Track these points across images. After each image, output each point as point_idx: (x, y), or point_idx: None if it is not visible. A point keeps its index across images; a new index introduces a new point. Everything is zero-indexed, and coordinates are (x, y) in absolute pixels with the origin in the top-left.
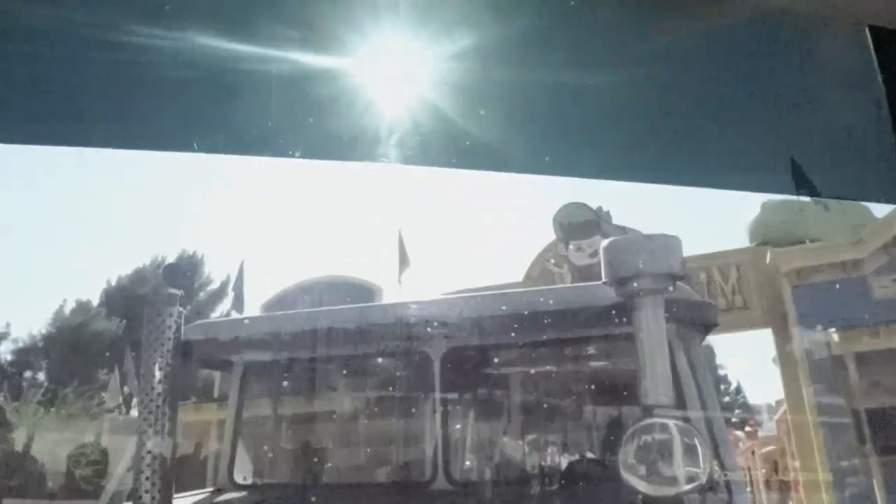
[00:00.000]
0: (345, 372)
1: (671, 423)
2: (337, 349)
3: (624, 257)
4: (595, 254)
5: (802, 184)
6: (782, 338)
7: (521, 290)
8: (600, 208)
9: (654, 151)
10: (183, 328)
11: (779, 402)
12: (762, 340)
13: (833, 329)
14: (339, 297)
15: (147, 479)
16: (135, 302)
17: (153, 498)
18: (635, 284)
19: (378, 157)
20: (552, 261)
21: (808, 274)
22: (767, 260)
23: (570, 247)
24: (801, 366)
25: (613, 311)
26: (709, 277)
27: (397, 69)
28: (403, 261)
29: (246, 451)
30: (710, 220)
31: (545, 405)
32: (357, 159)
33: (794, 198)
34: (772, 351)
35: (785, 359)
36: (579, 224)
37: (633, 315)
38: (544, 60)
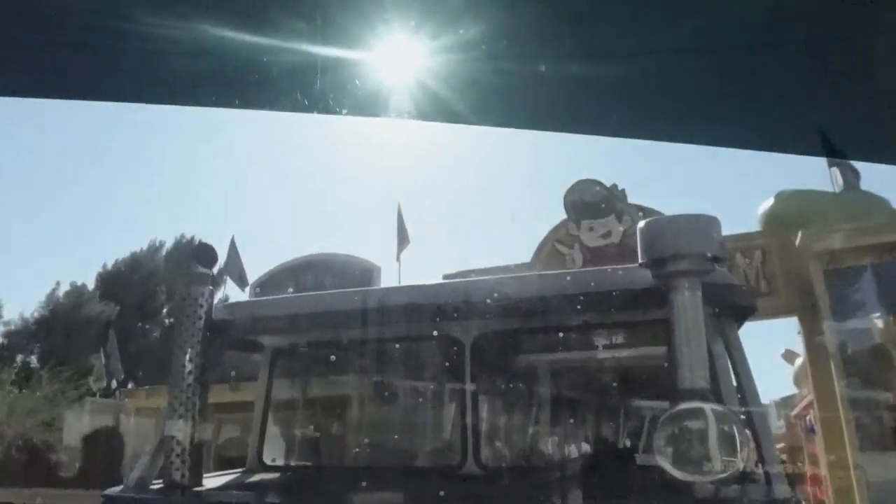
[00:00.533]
0: (374, 354)
1: (707, 408)
2: (367, 331)
3: (662, 238)
4: (608, 234)
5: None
6: (810, 327)
7: (554, 272)
8: (615, 186)
9: (679, 107)
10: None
11: (785, 399)
12: (771, 333)
13: (875, 315)
14: (334, 276)
15: (177, 456)
16: (129, 287)
17: (182, 476)
18: (674, 266)
19: (389, 112)
20: (562, 241)
21: (843, 257)
22: (797, 242)
23: (582, 226)
24: (834, 357)
25: (651, 295)
26: (732, 261)
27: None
28: (402, 238)
29: (275, 433)
30: (728, 204)
31: (577, 391)
32: (370, 114)
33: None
34: (781, 345)
35: (813, 350)
36: (592, 202)
37: (670, 297)
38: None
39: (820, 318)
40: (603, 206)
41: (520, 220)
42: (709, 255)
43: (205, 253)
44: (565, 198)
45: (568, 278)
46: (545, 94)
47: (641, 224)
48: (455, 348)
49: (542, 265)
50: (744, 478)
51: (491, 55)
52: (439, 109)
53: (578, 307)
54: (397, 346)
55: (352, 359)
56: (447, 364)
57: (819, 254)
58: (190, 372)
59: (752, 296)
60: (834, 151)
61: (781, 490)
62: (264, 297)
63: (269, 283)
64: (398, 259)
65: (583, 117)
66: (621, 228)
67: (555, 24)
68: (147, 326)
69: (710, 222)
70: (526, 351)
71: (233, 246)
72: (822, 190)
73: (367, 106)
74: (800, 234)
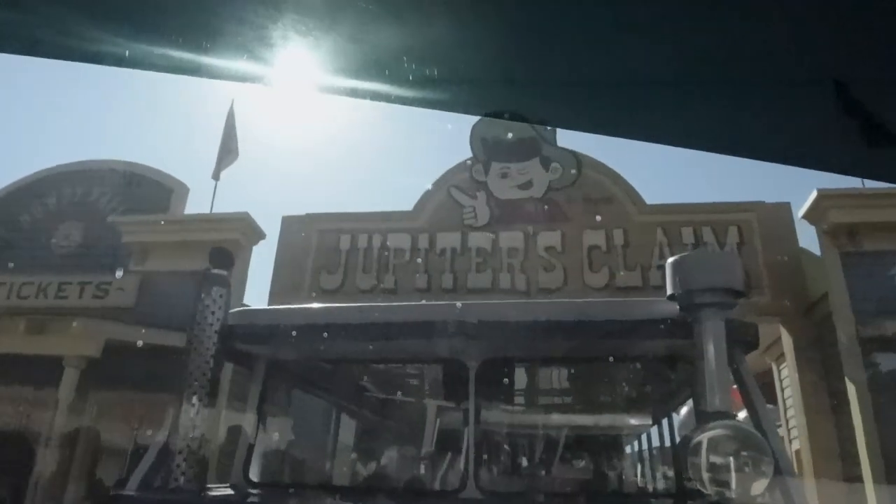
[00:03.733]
0: (375, 372)
1: (738, 426)
2: (369, 347)
3: (693, 272)
4: (528, 185)
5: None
6: (804, 337)
7: (566, 300)
8: (542, 124)
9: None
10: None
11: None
12: None
13: None
14: (104, 189)
15: (184, 460)
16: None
17: (189, 480)
18: (703, 299)
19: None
20: (461, 188)
21: (869, 235)
22: (802, 212)
23: (492, 170)
24: (855, 380)
25: (663, 327)
26: (696, 239)
27: None
28: (228, 150)
29: (265, 449)
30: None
31: (582, 417)
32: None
33: None
34: None
35: (809, 371)
36: (509, 141)
37: (697, 328)
38: None
39: (821, 325)
40: (524, 146)
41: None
42: (734, 289)
43: (221, 255)
44: (474, 132)
45: (578, 307)
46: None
47: (670, 259)
48: (459, 372)
49: (427, 217)
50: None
51: None
52: None
53: (587, 335)
54: (399, 364)
55: (350, 375)
56: (451, 387)
57: (835, 230)
58: (204, 373)
59: (756, 332)
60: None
61: (802, 500)
62: (266, 307)
63: (13, 197)
64: (216, 176)
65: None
66: (547, 179)
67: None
68: None
69: (732, 259)
70: (530, 377)
71: None
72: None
73: None
74: (812, 196)
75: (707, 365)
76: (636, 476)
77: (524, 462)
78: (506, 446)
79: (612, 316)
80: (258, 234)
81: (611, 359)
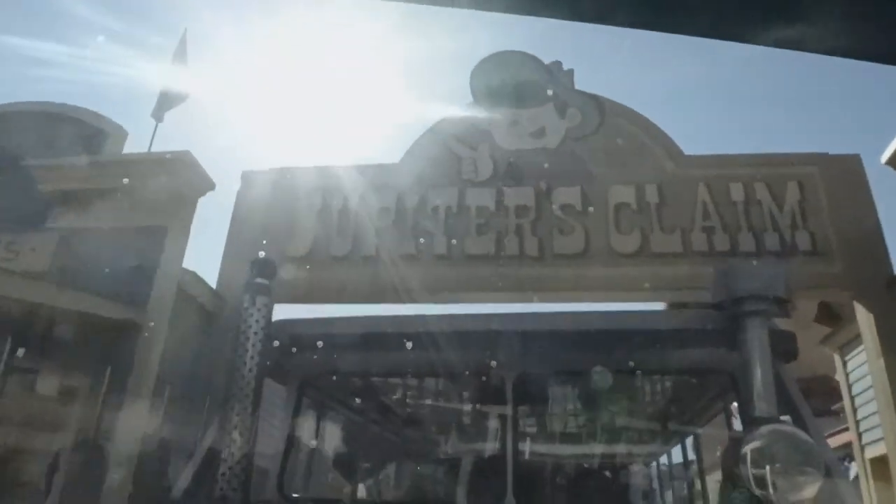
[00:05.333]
0: (411, 388)
1: (787, 430)
2: (402, 364)
3: (741, 280)
4: (541, 133)
5: None
6: (886, 311)
7: (606, 311)
8: (557, 65)
9: None
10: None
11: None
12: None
13: None
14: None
15: (229, 470)
16: None
17: (234, 490)
18: (751, 306)
19: None
20: (462, 139)
21: None
22: (885, 157)
23: (499, 118)
24: None
25: (708, 336)
26: (747, 197)
27: None
28: (175, 88)
29: (299, 465)
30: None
31: (623, 429)
32: None
33: None
34: None
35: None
36: (520, 85)
37: (742, 335)
38: None
39: None
40: (535, 90)
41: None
42: (779, 297)
43: (265, 265)
44: (474, 75)
45: (619, 317)
46: None
47: (717, 269)
48: (497, 384)
49: (418, 171)
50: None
51: None
52: None
53: (628, 345)
54: (438, 378)
55: (386, 388)
56: (488, 399)
57: None
58: (248, 382)
59: (795, 342)
60: None
61: (851, 492)
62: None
63: None
64: (158, 117)
65: None
66: (564, 126)
67: None
68: None
69: (777, 269)
70: (569, 388)
71: None
72: None
73: None
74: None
75: (753, 371)
76: (675, 487)
77: (564, 475)
78: (545, 459)
79: (655, 325)
80: (206, 183)
81: (654, 368)
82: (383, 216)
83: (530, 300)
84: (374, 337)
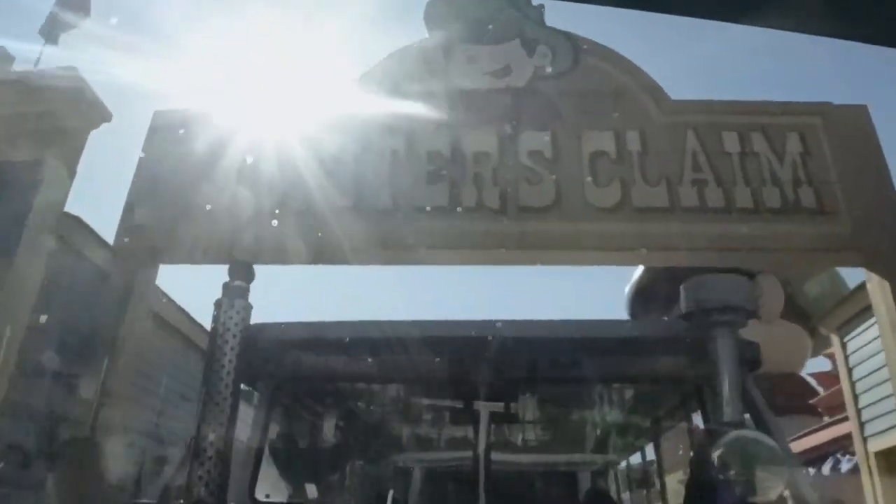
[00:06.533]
0: (385, 394)
1: (752, 434)
2: (378, 370)
3: (710, 292)
4: (506, 71)
5: None
6: None
7: (578, 319)
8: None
9: None
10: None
11: None
12: None
13: None
14: None
15: (206, 473)
16: None
17: (211, 494)
18: (720, 317)
19: None
20: (412, 76)
21: None
22: None
23: (456, 53)
24: None
25: (677, 345)
26: (743, 148)
27: None
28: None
29: (271, 468)
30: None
31: (592, 436)
32: None
33: None
34: None
35: None
36: (482, 19)
37: (712, 345)
38: None
39: None
40: (499, 26)
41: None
42: (747, 309)
43: (242, 269)
44: (428, 7)
45: (589, 326)
46: None
47: (686, 282)
48: (468, 392)
49: (357, 113)
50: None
51: None
52: None
53: (607, 354)
54: (412, 385)
55: (360, 394)
56: (458, 406)
57: None
58: (227, 385)
59: (758, 352)
60: None
61: (812, 494)
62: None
63: None
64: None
65: None
66: (531, 65)
67: None
68: None
69: (747, 282)
70: (542, 397)
71: None
72: None
73: None
74: None
75: (720, 379)
76: (648, 490)
77: (535, 479)
78: (516, 466)
79: (625, 333)
80: (99, 113)
81: (624, 376)
82: (318, 164)
83: (490, 260)
84: (351, 342)
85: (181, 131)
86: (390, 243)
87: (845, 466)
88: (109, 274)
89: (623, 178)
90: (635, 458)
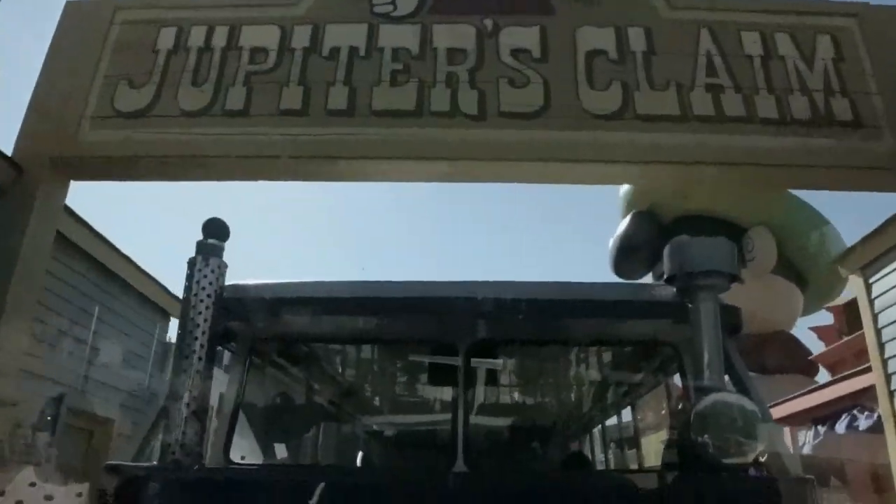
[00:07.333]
0: (363, 353)
1: (732, 396)
2: (360, 326)
3: (693, 256)
4: None
5: None
6: None
7: (559, 281)
8: None
9: None
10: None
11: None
12: None
13: None
14: None
15: (182, 435)
16: None
17: (187, 455)
18: (702, 281)
19: None
20: None
21: None
22: None
23: None
24: None
25: (660, 308)
26: (766, 50)
27: None
28: None
29: (247, 430)
30: None
31: (574, 397)
32: None
33: None
34: None
35: None
36: None
37: (694, 308)
38: None
39: None
40: None
41: None
42: (731, 273)
43: (216, 226)
44: None
45: (571, 288)
46: None
47: (670, 244)
48: (449, 352)
49: (306, 3)
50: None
51: None
52: None
53: (580, 317)
54: (391, 345)
55: (339, 354)
56: (440, 367)
57: None
58: (201, 345)
59: (740, 316)
60: None
61: (795, 468)
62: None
63: None
64: None
65: None
66: None
67: None
68: None
69: (731, 246)
70: (521, 359)
71: None
72: None
73: None
74: None
75: (702, 342)
76: (625, 451)
77: (513, 439)
78: (496, 425)
79: (606, 296)
80: None
81: (605, 340)
82: (258, 58)
83: (465, 174)
84: (327, 302)
85: (96, 23)
86: (343, 152)
87: (864, 423)
88: (5, 188)
89: (624, 82)
90: (615, 420)
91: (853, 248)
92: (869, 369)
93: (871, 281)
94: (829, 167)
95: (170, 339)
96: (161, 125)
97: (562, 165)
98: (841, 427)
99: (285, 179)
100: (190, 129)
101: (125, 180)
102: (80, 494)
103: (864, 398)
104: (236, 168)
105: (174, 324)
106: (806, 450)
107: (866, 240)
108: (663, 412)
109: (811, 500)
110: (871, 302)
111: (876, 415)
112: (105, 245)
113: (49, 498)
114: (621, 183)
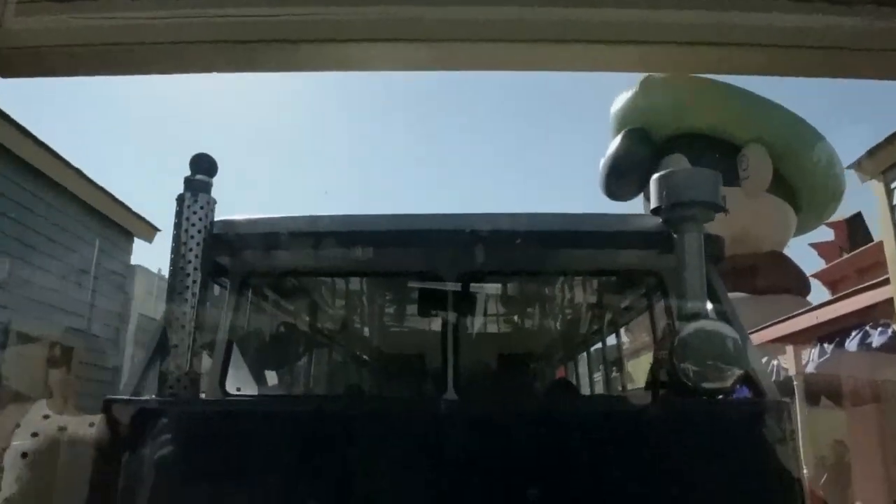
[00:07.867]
0: (355, 285)
1: (714, 323)
2: (350, 258)
3: (678, 188)
4: None
5: None
6: None
7: (547, 212)
8: None
9: None
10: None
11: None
12: None
13: None
14: None
15: (177, 368)
16: None
17: (184, 387)
18: (686, 211)
19: None
20: None
21: None
22: None
23: None
24: None
25: (647, 239)
26: None
27: None
28: None
29: (242, 362)
30: None
31: (561, 325)
32: None
33: None
34: None
35: None
36: None
37: (679, 238)
38: None
39: None
40: None
41: None
42: (715, 204)
43: (204, 161)
44: None
45: (560, 219)
46: None
47: (655, 176)
48: (437, 282)
49: None
50: (740, 381)
51: None
52: None
53: (577, 247)
54: (380, 277)
55: (331, 287)
56: (428, 297)
57: None
58: (193, 280)
59: (722, 245)
60: None
61: (773, 392)
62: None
63: None
64: None
65: None
66: None
67: None
68: None
69: (716, 176)
70: (509, 288)
71: None
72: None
73: None
74: None
75: (687, 271)
76: (611, 377)
77: (502, 367)
78: (485, 353)
79: (592, 227)
80: None
81: (592, 270)
82: None
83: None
84: (317, 236)
85: None
86: (305, 35)
87: (878, 340)
88: None
89: None
90: (601, 348)
91: (873, 151)
92: (881, 283)
93: (893, 186)
94: (857, 51)
95: (134, 262)
96: (103, 9)
97: (552, 47)
98: (852, 345)
99: (242, 70)
100: (137, 13)
101: (60, 75)
102: (92, 424)
103: (872, 315)
104: (190, 57)
105: (138, 245)
106: (810, 368)
107: (889, 141)
108: (648, 339)
109: (787, 421)
110: (893, 208)
111: (890, 330)
112: (48, 154)
113: (63, 429)
114: (615, 70)
